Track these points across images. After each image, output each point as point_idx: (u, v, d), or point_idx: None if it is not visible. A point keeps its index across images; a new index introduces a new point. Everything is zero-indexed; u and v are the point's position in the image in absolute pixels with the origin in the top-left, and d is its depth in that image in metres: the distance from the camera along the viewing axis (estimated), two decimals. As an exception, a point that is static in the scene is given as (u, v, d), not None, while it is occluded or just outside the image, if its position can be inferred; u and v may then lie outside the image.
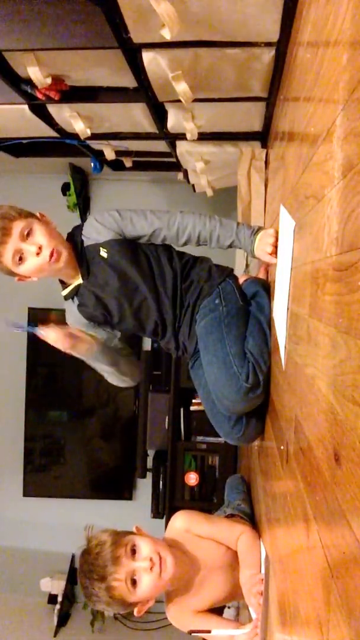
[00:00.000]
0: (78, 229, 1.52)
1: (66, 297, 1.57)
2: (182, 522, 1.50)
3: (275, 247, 1.37)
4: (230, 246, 1.52)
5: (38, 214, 1.46)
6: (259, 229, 1.48)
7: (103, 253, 1.47)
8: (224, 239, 1.50)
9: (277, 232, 1.36)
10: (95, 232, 1.48)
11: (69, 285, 1.55)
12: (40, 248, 1.38)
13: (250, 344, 1.40)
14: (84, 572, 1.35)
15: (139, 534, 1.40)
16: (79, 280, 1.52)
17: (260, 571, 1.38)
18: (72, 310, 1.58)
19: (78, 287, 1.53)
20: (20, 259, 1.39)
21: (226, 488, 2.05)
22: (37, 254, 1.38)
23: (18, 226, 1.37)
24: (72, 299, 1.56)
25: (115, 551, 1.31)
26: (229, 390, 1.36)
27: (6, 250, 1.38)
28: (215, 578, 1.46)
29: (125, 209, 1.52)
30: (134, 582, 1.31)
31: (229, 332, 1.41)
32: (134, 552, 1.33)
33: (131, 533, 1.40)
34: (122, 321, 1.56)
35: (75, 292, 1.54)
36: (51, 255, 1.40)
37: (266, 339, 1.40)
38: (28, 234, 1.38)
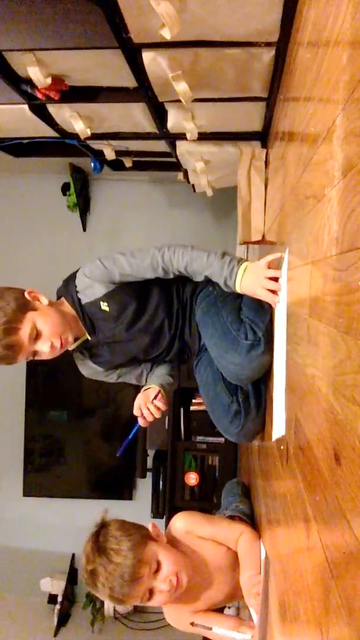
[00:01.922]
0: (71, 283, 1.47)
1: (74, 351, 1.57)
2: (183, 524, 1.50)
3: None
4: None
5: (26, 293, 1.41)
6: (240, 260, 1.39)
7: (105, 307, 1.46)
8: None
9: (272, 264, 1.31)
10: (90, 288, 1.46)
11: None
12: (52, 346, 1.39)
13: (245, 311, 1.42)
14: (94, 572, 1.31)
15: (157, 541, 1.39)
16: (84, 337, 1.52)
17: (260, 572, 1.38)
18: (87, 364, 1.60)
19: (85, 342, 1.53)
20: (35, 354, 1.40)
21: (223, 493, 2.05)
22: (51, 346, 1.39)
23: (24, 335, 1.34)
24: (82, 352, 1.57)
25: (138, 571, 1.29)
26: (232, 354, 1.38)
27: (19, 357, 1.38)
28: (215, 579, 1.46)
29: (106, 256, 1.47)
30: (149, 595, 1.32)
31: (224, 306, 1.44)
32: (156, 568, 1.33)
33: (147, 534, 1.39)
34: (145, 356, 1.58)
35: (84, 347, 1.54)
36: (62, 345, 1.41)
37: (260, 303, 1.40)
38: (37, 336, 1.37)
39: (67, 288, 1.48)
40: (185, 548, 1.45)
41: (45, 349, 1.38)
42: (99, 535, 1.35)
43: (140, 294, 1.49)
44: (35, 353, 1.39)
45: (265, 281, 1.29)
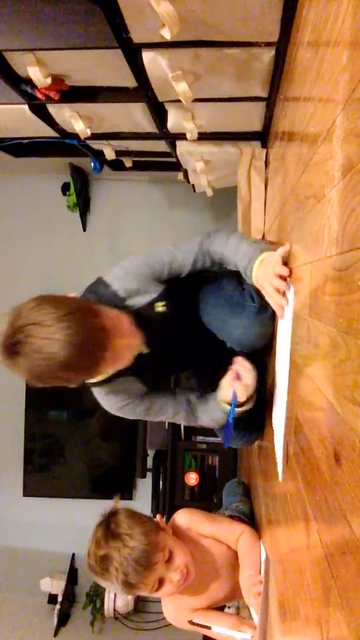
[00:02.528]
0: (109, 292, 1.28)
1: (114, 377, 1.33)
2: (185, 520, 1.51)
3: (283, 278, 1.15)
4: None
5: (158, 521, 1.41)
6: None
7: (160, 308, 1.30)
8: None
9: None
10: (140, 289, 1.29)
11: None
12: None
13: (245, 283, 1.36)
14: (106, 557, 1.28)
15: (165, 530, 1.40)
16: (139, 350, 1.30)
17: (260, 571, 1.38)
18: (133, 386, 1.38)
19: (138, 358, 1.30)
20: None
21: (223, 493, 2.05)
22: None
23: (108, 320, 1.13)
24: (120, 375, 1.33)
25: (153, 556, 1.28)
26: (238, 318, 1.33)
27: (109, 349, 1.11)
28: (214, 577, 1.46)
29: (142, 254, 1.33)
30: (158, 585, 1.32)
31: (224, 282, 1.39)
32: (168, 557, 1.33)
33: (157, 523, 1.40)
34: (186, 366, 1.50)
35: (133, 366, 1.29)
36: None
37: None
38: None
39: (110, 298, 1.27)
40: (187, 543, 1.45)
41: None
42: (110, 522, 1.34)
43: (189, 291, 1.38)
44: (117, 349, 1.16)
45: (274, 278, 1.14)
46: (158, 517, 1.45)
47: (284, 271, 1.12)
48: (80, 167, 3.20)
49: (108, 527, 1.33)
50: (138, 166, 2.71)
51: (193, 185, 2.74)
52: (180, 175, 2.77)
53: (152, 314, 1.28)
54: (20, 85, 1.62)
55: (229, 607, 2.30)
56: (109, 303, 1.23)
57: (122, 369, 1.28)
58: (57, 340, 1.02)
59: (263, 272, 1.19)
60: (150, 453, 3.21)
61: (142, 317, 1.26)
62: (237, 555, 1.49)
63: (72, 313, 1.05)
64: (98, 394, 1.38)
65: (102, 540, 1.30)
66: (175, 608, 1.45)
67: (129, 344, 1.19)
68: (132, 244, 3.31)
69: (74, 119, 1.85)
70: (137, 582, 1.27)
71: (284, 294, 1.13)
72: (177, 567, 1.32)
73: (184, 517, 1.52)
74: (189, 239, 1.34)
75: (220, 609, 2.13)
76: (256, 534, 1.52)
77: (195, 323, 1.40)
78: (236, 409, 1.31)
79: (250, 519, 1.65)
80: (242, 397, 1.28)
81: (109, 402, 1.39)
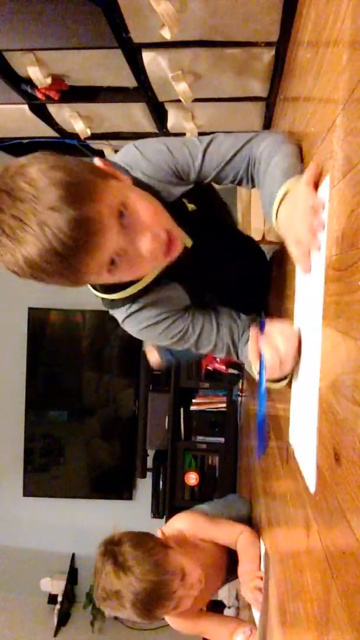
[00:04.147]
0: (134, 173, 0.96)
1: (150, 288, 1.02)
2: (186, 526, 1.49)
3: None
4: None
5: (100, 163, 0.86)
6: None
7: (191, 206, 1.02)
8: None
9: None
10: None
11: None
12: (155, 239, 0.84)
13: None
14: (119, 594, 1.22)
15: (171, 547, 1.34)
16: (183, 243, 0.98)
17: (260, 567, 1.38)
18: (174, 296, 1.06)
19: (180, 261, 0.94)
20: (112, 262, 0.82)
21: (222, 500, 1.94)
22: (152, 252, 0.84)
23: (107, 209, 0.77)
24: (162, 279, 1.03)
25: (171, 585, 1.24)
26: None
27: (98, 260, 0.78)
28: (213, 576, 1.46)
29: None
30: (176, 605, 1.29)
31: None
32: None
33: (162, 542, 1.34)
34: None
35: (174, 270, 0.99)
36: (170, 244, 0.87)
37: None
38: (122, 216, 0.81)
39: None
40: (191, 549, 1.44)
41: (144, 247, 0.82)
42: (116, 555, 1.27)
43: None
44: (120, 253, 0.81)
45: (304, 212, 0.77)
46: (160, 533, 1.40)
47: (317, 202, 0.75)
48: (80, 167, 3.20)
49: (116, 561, 1.26)
50: (138, 166, 2.71)
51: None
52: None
53: (185, 209, 1.01)
54: (20, 85, 1.62)
55: (229, 608, 2.30)
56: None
57: (161, 273, 1.00)
58: (24, 225, 0.72)
59: (288, 214, 0.84)
60: (150, 453, 3.22)
61: (177, 210, 0.97)
62: (230, 557, 1.49)
63: (62, 186, 0.72)
64: (123, 312, 1.04)
65: (113, 576, 1.24)
66: (183, 618, 1.42)
67: (139, 251, 0.83)
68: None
69: (74, 119, 1.85)
70: (157, 612, 1.25)
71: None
72: (191, 583, 1.29)
73: (184, 522, 1.50)
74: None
75: (221, 610, 2.14)
76: (255, 532, 1.52)
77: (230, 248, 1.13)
78: (270, 385, 0.94)
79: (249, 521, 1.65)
80: (272, 374, 0.89)
81: (138, 318, 1.04)
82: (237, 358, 1.13)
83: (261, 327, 0.92)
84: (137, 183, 0.93)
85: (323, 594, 0.65)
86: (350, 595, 0.53)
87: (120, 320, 1.06)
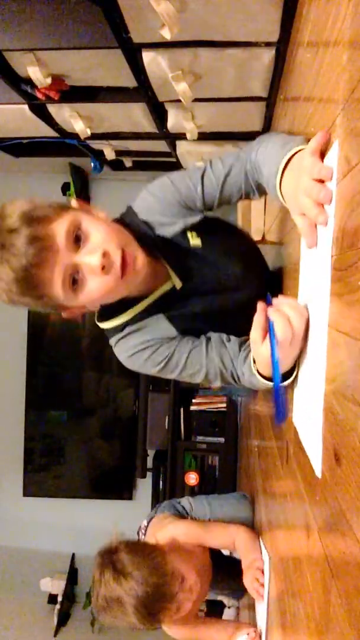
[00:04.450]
0: (130, 216, 1.06)
1: (139, 318, 1.07)
2: (178, 532, 1.48)
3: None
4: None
5: (74, 202, 0.99)
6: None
7: (194, 240, 1.05)
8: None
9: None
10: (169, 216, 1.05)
11: (139, 301, 1.06)
12: (104, 255, 0.89)
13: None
14: (120, 600, 1.22)
15: (168, 553, 1.33)
16: (165, 287, 1.07)
17: (261, 556, 1.37)
18: (159, 327, 1.08)
19: (166, 295, 1.06)
20: (75, 282, 0.90)
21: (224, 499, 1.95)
22: (103, 267, 0.89)
23: (60, 229, 0.88)
24: (153, 309, 1.08)
25: (172, 588, 1.25)
26: None
27: (53, 273, 0.87)
28: (204, 579, 1.45)
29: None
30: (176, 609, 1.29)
31: None
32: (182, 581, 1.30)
33: (159, 547, 1.33)
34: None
35: (162, 303, 1.07)
36: (125, 261, 0.91)
37: None
38: (78, 239, 0.90)
39: (140, 227, 1.04)
40: (183, 554, 1.42)
41: (93, 261, 0.88)
42: (114, 562, 1.27)
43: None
44: (76, 270, 0.89)
45: (309, 184, 0.71)
46: (154, 539, 1.40)
47: (324, 171, 0.68)
48: (80, 167, 3.20)
49: (114, 566, 1.25)
50: (138, 166, 2.71)
51: (193, 185, 2.73)
52: (180, 175, 2.77)
53: (186, 245, 1.04)
54: (20, 85, 1.62)
55: (229, 608, 2.30)
56: (140, 234, 1.01)
57: (148, 307, 1.06)
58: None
59: (293, 185, 0.78)
60: (150, 453, 3.22)
61: (175, 247, 1.03)
62: (208, 555, 1.48)
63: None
64: (114, 340, 1.10)
65: (113, 581, 1.23)
66: (181, 625, 1.41)
67: (91, 265, 0.89)
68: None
69: (74, 119, 1.85)
70: (160, 616, 1.25)
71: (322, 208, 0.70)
72: (190, 586, 1.30)
73: (178, 530, 1.48)
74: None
75: (221, 610, 2.13)
76: (252, 530, 1.51)
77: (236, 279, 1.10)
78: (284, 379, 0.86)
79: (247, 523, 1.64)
80: (283, 345, 0.78)
81: (124, 345, 1.08)
82: (235, 381, 1.08)
83: (267, 302, 0.85)
84: (127, 224, 1.02)
85: (323, 594, 0.65)
86: (350, 595, 0.53)
87: (113, 347, 1.11)
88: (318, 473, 0.70)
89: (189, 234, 1.05)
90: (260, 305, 0.82)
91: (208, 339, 1.09)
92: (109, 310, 1.07)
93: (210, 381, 1.10)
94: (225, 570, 1.60)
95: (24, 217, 0.86)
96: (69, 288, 0.89)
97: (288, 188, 0.82)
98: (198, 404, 3.03)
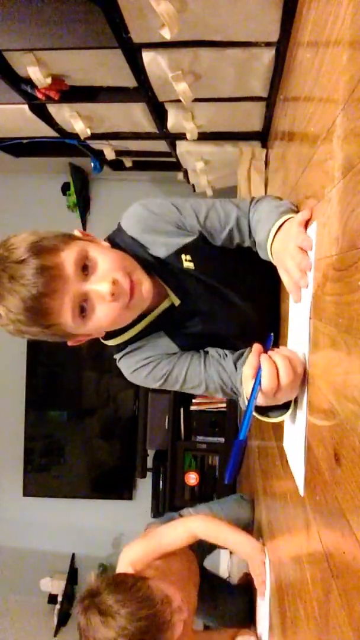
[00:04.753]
0: (121, 236, 1.08)
1: (140, 336, 1.09)
2: (134, 554, 1.42)
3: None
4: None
5: (77, 233, 1.01)
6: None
7: (187, 263, 1.05)
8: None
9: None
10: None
11: (140, 319, 1.07)
12: (114, 283, 0.91)
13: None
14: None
15: (150, 578, 1.30)
16: (164, 305, 1.09)
17: (258, 541, 1.37)
18: (160, 343, 1.11)
19: (166, 313, 1.09)
20: (83, 310, 0.92)
21: (222, 502, 1.90)
22: (112, 294, 0.91)
23: (69, 258, 0.90)
24: (154, 327, 1.09)
25: (164, 615, 1.21)
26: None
27: (63, 302, 0.89)
28: (189, 593, 1.41)
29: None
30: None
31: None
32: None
33: (140, 580, 1.28)
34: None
35: (163, 321, 1.09)
36: (132, 287, 0.94)
37: None
38: (85, 267, 0.92)
39: (131, 246, 1.05)
40: (160, 573, 1.37)
41: (103, 288, 0.90)
42: (98, 605, 1.24)
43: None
44: (85, 298, 0.91)
45: (294, 250, 0.82)
46: (131, 568, 1.36)
47: (306, 242, 0.81)
48: (80, 167, 3.20)
49: (99, 609, 1.22)
50: (138, 166, 2.71)
51: (193, 185, 2.74)
52: (180, 175, 2.77)
53: (180, 266, 1.04)
54: (20, 85, 1.62)
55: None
56: (136, 255, 1.02)
57: (150, 324, 1.08)
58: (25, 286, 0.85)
59: (282, 246, 0.88)
60: (150, 453, 3.22)
61: (170, 267, 1.03)
62: (189, 558, 1.45)
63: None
64: (118, 356, 1.13)
65: (101, 625, 1.21)
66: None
67: (100, 293, 0.92)
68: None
69: (74, 119, 1.85)
70: None
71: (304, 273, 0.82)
72: (179, 606, 1.26)
73: (134, 552, 1.43)
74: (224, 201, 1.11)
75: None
76: (203, 516, 1.45)
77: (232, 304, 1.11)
78: (266, 419, 0.90)
79: (249, 525, 1.63)
80: (264, 397, 0.80)
81: (127, 362, 1.11)
82: (236, 394, 1.10)
83: (267, 345, 0.86)
84: (120, 245, 1.04)
85: (323, 594, 0.65)
86: (350, 595, 0.53)
87: (117, 362, 1.14)
88: (301, 492, 0.75)
89: (182, 257, 1.05)
90: (256, 347, 0.84)
91: (206, 354, 1.12)
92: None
93: (212, 394, 1.12)
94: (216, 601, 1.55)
95: (32, 248, 0.88)
96: (78, 316, 0.91)
97: (277, 249, 0.90)
98: (198, 404, 3.03)
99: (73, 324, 0.91)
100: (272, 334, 0.90)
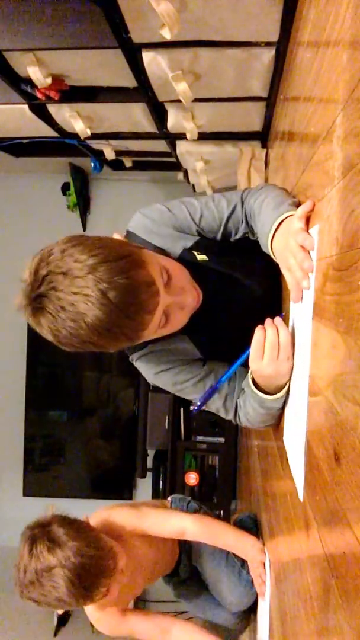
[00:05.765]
0: (133, 238, 1.09)
1: (164, 336, 1.05)
2: (112, 516, 1.40)
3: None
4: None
5: (119, 236, 1.04)
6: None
7: (200, 257, 1.08)
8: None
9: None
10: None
11: None
12: (196, 294, 0.99)
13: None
14: (50, 568, 1.19)
15: (101, 532, 1.28)
16: None
17: (258, 541, 1.36)
18: (183, 347, 1.11)
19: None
20: (167, 318, 0.95)
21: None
22: (197, 294, 0.99)
23: (155, 273, 0.90)
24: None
25: (106, 562, 1.20)
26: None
27: (154, 315, 0.90)
28: (136, 575, 1.37)
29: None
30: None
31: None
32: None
33: (94, 528, 1.28)
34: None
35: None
36: (198, 296, 1.00)
37: None
38: (169, 279, 0.94)
39: (139, 239, 1.07)
40: (114, 537, 1.33)
41: (189, 299, 0.97)
42: (48, 533, 1.24)
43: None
44: (168, 311, 0.95)
45: (295, 248, 0.81)
46: (84, 517, 1.34)
47: (308, 241, 0.79)
48: (80, 167, 3.20)
49: (48, 536, 1.22)
50: (138, 166, 2.71)
51: (193, 185, 2.74)
52: (180, 175, 2.77)
53: (195, 261, 1.06)
54: (20, 85, 1.62)
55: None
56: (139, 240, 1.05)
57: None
58: (87, 297, 0.81)
59: (283, 244, 0.88)
60: (150, 453, 3.22)
61: (186, 263, 1.04)
62: (166, 550, 1.43)
63: (111, 261, 0.82)
64: (136, 357, 1.13)
65: (47, 552, 1.20)
66: (108, 616, 1.33)
67: (183, 303, 0.96)
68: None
69: (74, 119, 1.85)
70: (93, 592, 1.18)
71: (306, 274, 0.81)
72: (121, 568, 1.24)
73: (115, 515, 1.40)
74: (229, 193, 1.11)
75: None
76: (202, 517, 1.41)
77: (245, 294, 1.13)
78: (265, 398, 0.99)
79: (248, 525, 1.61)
80: (255, 359, 0.93)
81: (148, 363, 1.11)
82: (239, 421, 1.15)
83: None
84: (152, 247, 1.06)
85: (323, 594, 0.65)
86: (350, 595, 0.53)
87: (133, 362, 1.15)
88: (300, 497, 0.75)
89: (194, 252, 1.08)
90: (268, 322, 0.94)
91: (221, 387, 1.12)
92: None
93: (226, 412, 1.15)
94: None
95: (112, 265, 0.84)
96: (159, 326, 0.94)
97: (278, 245, 0.91)
98: (198, 404, 3.03)
99: (151, 333, 0.93)
100: (283, 313, 0.96)
